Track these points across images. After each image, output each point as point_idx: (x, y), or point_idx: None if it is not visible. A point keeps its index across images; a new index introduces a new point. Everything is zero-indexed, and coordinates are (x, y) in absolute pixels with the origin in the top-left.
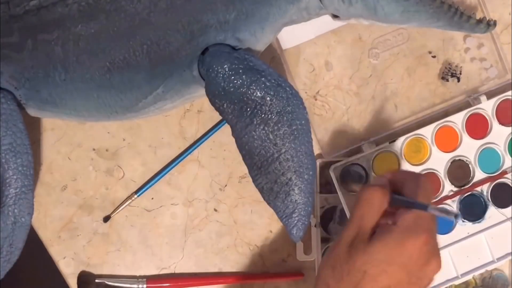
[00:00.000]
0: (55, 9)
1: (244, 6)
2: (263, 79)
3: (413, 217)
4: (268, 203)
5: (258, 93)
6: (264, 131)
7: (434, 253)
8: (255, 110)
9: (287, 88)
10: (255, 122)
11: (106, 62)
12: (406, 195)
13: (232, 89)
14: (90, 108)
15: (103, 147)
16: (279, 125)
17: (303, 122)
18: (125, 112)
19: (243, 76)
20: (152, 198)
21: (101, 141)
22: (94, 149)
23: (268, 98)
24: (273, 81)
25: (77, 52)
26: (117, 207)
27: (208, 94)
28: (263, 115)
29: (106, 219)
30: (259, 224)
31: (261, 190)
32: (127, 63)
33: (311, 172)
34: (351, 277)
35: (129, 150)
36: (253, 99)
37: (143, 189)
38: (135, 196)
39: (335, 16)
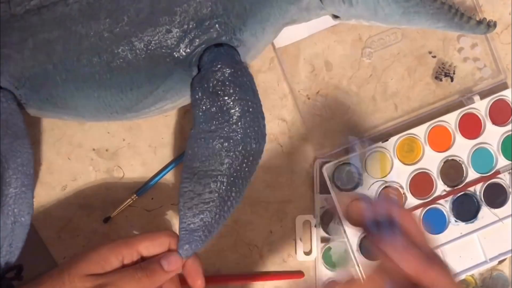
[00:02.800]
0: (55, 8)
1: (244, 6)
2: (249, 103)
3: None
4: (179, 209)
5: (238, 112)
6: (220, 146)
7: None
8: (225, 124)
9: (262, 125)
10: (218, 134)
11: (106, 62)
12: None
13: (219, 92)
14: (90, 108)
15: (103, 147)
16: (237, 151)
17: (254, 162)
18: (126, 112)
19: (236, 89)
20: (152, 198)
21: (101, 141)
22: (94, 149)
23: (242, 122)
24: (255, 109)
25: (78, 52)
26: (117, 207)
27: (194, 84)
28: (229, 133)
29: (106, 219)
30: (259, 224)
31: (181, 194)
32: (128, 63)
33: (231, 208)
34: None
35: (129, 150)
36: (230, 113)
37: (143, 189)
38: (135, 196)
39: (335, 17)
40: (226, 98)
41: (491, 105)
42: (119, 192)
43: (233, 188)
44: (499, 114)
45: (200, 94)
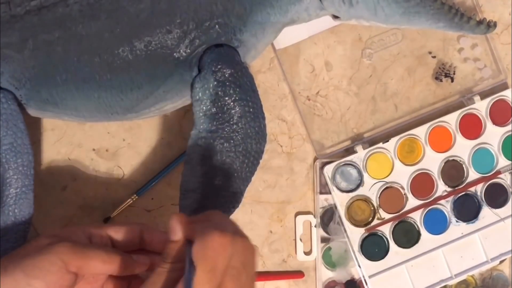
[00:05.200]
0: (56, 9)
1: (244, 7)
2: (249, 103)
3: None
4: (180, 209)
5: (238, 113)
6: (220, 146)
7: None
8: (226, 124)
9: (262, 125)
10: (218, 134)
11: (106, 62)
12: None
13: (219, 93)
14: (90, 108)
15: (103, 147)
16: (237, 151)
17: (254, 162)
18: (126, 112)
19: (237, 90)
20: (152, 198)
21: (101, 141)
22: (94, 149)
23: (242, 122)
24: (256, 109)
25: (78, 52)
26: (117, 207)
27: (194, 85)
28: (230, 134)
29: (106, 219)
30: (259, 224)
31: (181, 192)
32: (128, 64)
33: None
34: None
35: (129, 150)
36: (230, 114)
37: (143, 189)
38: (135, 196)
39: (335, 17)
40: (226, 98)
41: (491, 106)
42: (119, 192)
43: (229, 190)
44: (499, 114)
45: (200, 95)
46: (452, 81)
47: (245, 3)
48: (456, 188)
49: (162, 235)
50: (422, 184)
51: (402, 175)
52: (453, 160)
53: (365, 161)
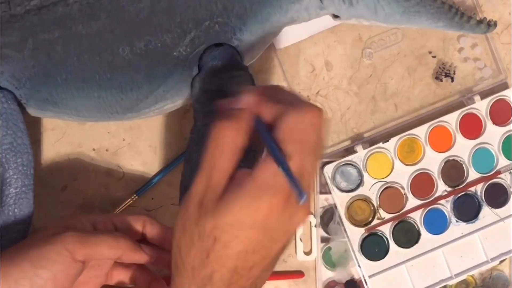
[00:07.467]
0: (56, 8)
1: (245, 6)
2: None
3: (272, 172)
4: (180, 201)
5: None
6: None
7: (298, 206)
8: None
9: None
10: None
11: (106, 62)
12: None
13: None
14: (90, 108)
15: (103, 147)
16: None
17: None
18: (126, 112)
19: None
20: (152, 198)
21: (101, 141)
22: (94, 149)
23: None
24: None
25: (78, 52)
26: (117, 207)
27: (194, 84)
28: None
29: None
30: None
31: (181, 194)
32: (128, 63)
33: None
34: (201, 242)
35: (129, 150)
36: None
37: (143, 189)
38: (135, 196)
39: (335, 16)
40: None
41: (491, 105)
42: (119, 192)
43: None
44: (499, 114)
45: (200, 94)
46: (452, 80)
47: (245, 3)
48: (456, 188)
49: (163, 228)
50: (422, 184)
51: (402, 175)
52: (453, 160)
53: (365, 161)
